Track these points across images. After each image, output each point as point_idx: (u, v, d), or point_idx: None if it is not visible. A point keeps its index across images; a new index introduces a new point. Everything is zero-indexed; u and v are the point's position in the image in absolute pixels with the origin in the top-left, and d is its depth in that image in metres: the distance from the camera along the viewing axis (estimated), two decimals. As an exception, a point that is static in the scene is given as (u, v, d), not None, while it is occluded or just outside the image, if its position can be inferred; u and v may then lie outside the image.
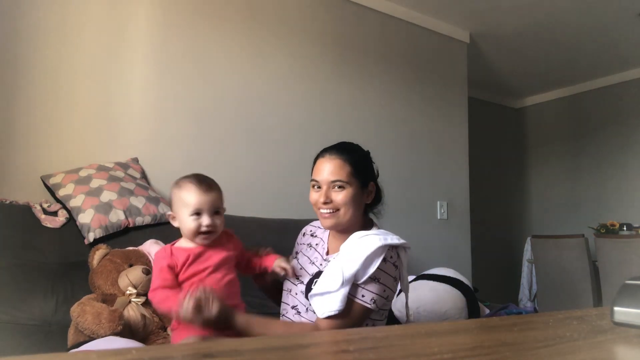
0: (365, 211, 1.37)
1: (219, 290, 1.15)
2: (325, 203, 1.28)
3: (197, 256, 1.19)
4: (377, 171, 1.42)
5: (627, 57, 4.18)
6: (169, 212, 1.24)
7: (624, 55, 4.16)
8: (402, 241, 1.25)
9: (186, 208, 1.17)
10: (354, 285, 1.20)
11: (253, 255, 1.33)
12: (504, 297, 4.53)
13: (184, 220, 1.18)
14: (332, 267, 1.21)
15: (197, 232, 1.17)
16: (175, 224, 1.22)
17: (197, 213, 1.17)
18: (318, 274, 1.29)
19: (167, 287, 1.14)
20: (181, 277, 1.17)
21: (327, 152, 1.32)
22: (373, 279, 1.20)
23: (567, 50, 4.04)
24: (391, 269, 1.24)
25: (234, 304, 1.21)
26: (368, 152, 1.41)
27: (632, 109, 4.53)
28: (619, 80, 4.61)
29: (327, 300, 1.17)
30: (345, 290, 1.16)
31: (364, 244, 1.20)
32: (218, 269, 1.20)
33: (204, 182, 1.20)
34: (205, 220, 1.17)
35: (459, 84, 3.60)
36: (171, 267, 1.17)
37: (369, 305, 1.21)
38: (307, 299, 1.26)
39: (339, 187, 1.27)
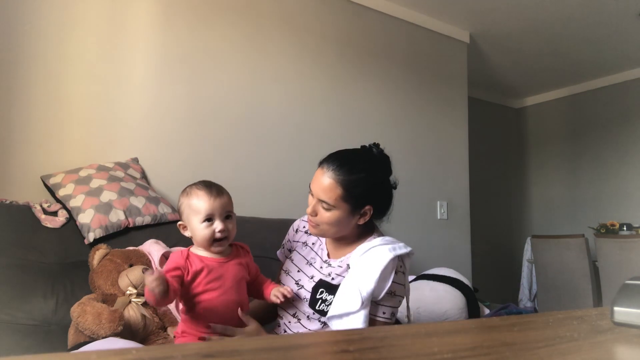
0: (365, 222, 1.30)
1: (228, 312, 1.16)
2: (311, 214, 1.26)
3: (212, 270, 1.15)
4: (395, 183, 1.34)
5: (627, 57, 4.18)
6: (180, 222, 1.20)
7: (624, 55, 4.16)
8: (408, 249, 1.24)
9: (197, 215, 1.14)
10: (373, 303, 1.18)
11: (266, 283, 1.30)
12: (504, 297, 4.54)
13: (197, 229, 1.14)
14: (346, 287, 1.18)
15: (212, 240, 1.14)
16: (186, 233, 1.18)
17: (209, 219, 1.14)
18: (322, 283, 1.26)
19: None
20: (194, 289, 1.13)
21: (327, 163, 1.24)
22: (390, 293, 1.19)
23: (567, 50, 4.04)
24: (401, 277, 1.23)
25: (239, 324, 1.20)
26: (382, 162, 1.30)
27: (633, 109, 4.52)
28: (619, 80, 4.61)
29: (349, 323, 1.15)
30: (366, 311, 1.15)
31: (376, 259, 1.17)
32: (231, 287, 1.17)
33: (213, 187, 1.17)
34: (218, 225, 1.14)
35: (459, 84, 3.60)
36: (179, 269, 1.12)
37: (390, 321, 1.21)
38: (312, 308, 1.24)
39: (325, 208, 1.22)
